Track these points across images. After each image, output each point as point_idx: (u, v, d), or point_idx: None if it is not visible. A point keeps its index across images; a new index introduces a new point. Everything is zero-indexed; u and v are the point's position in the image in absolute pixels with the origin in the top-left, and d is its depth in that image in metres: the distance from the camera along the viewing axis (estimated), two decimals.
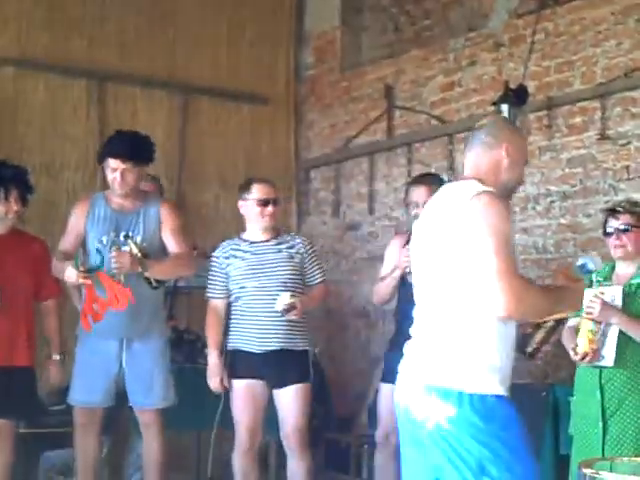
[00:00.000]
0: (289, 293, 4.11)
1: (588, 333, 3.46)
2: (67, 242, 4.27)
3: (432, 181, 4.22)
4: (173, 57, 6.39)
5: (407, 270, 4.02)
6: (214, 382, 4.25)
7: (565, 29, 5.16)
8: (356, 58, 6.65)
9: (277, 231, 4.35)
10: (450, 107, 5.80)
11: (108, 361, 4.15)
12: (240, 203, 4.31)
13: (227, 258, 4.28)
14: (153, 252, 4.15)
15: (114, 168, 4.14)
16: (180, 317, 5.40)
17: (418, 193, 4.20)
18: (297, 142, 6.85)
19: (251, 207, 4.26)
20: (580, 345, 3.48)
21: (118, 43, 6.20)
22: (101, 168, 4.44)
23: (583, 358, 3.49)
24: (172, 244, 4.24)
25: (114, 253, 4.01)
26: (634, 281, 3.58)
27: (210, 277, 4.33)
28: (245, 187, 4.31)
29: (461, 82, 5.76)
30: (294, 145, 6.83)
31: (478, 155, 2.64)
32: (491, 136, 2.65)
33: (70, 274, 3.99)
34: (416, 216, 4.02)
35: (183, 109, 6.37)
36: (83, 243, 4.25)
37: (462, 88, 5.74)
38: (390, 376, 4.07)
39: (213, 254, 4.37)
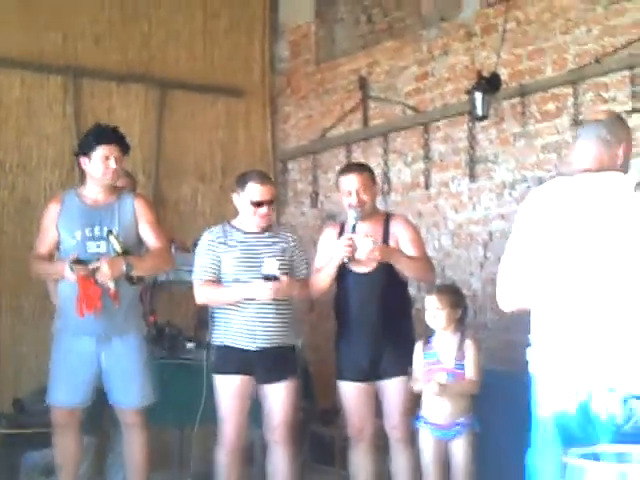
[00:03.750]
0: (278, 262, 4.03)
1: None
2: (42, 244, 4.23)
3: (360, 169, 4.26)
4: (148, 51, 6.38)
5: (345, 260, 4.02)
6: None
7: (535, 17, 5.19)
8: (330, 50, 6.66)
9: (270, 225, 4.28)
10: (424, 97, 5.82)
11: (85, 359, 4.11)
12: (234, 196, 4.22)
13: (221, 243, 4.16)
14: (130, 247, 4.12)
15: (107, 156, 4.11)
16: (160, 312, 5.39)
17: (348, 181, 4.15)
18: (273, 134, 6.86)
19: (244, 204, 4.18)
20: None
21: (92, 38, 6.17)
22: (78, 164, 4.40)
23: None
24: (151, 238, 4.20)
25: (106, 261, 3.96)
26: None
27: (202, 259, 4.17)
28: (240, 183, 4.19)
29: (434, 72, 5.77)
30: (271, 137, 6.84)
31: (599, 149, 2.80)
32: (611, 134, 2.81)
33: (69, 275, 3.97)
34: (350, 205, 4.12)
35: (159, 103, 6.37)
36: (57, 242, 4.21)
37: (435, 78, 5.76)
38: (348, 373, 4.13)
39: (205, 236, 4.22)
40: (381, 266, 4.06)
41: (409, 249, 4.14)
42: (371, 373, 4.11)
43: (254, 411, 4.21)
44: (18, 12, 5.92)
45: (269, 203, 4.17)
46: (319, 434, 5.48)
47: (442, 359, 3.95)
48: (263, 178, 4.23)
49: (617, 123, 2.88)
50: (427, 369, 3.96)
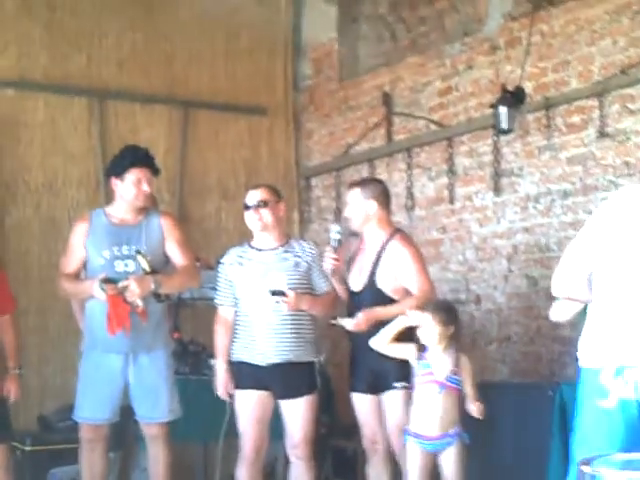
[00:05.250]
0: (285, 277, 4.08)
1: None
2: (70, 263, 4.25)
3: (363, 183, 4.34)
4: (171, 72, 6.43)
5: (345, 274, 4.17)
6: (221, 391, 4.23)
7: (560, 30, 5.17)
8: (354, 67, 6.68)
9: (286, 238, 4.31)
10: (448, 111, 5.81)
11: (113, 376, 4.13)
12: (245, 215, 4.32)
13: (232, 265, 4.26)
14: (157, 265, 4.14)
15: (140, 179, 4.15)
16: (184, 329, 5.39)
17: (348, 195, 4.31)
18: (297, 151, 6.88)
19: (247, 215, 4.27)
20: None
21: (116, 60, 6.24)
22: (105, 184, 4.43)
23: None
24: (178, 256, 4.23)
25: (134, 279, 3.97)
26: None
27: (218, 284, 4.32)
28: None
29: (458, 86, 5.76)
30: (294, 154, 6.86)
31: None
32: None
33: (99, 293, 3.98)
34: (345, 219, 4.21)
35: (183, 123, 6.41)
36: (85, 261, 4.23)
37: (459, 92, 5.75)
38: (357, 385, 4.21)
39: (221, 261, 4.36)
40: (368, 285, 4.14)
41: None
42: (376, 385, 4.15)
43: (276, 426, 4.21)
44: (43, 35, 6.01)
45: (261, 204, 4.20)
46: (341, 449, 5.46)
47: (435, 371, 3.96)
48: (259, 184, 4.47)
49: None
50: (420, 377, 3.98)
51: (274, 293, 4.03)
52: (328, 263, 4.16)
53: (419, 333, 3.98)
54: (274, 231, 4.24)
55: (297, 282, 4.15)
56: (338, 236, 4.18)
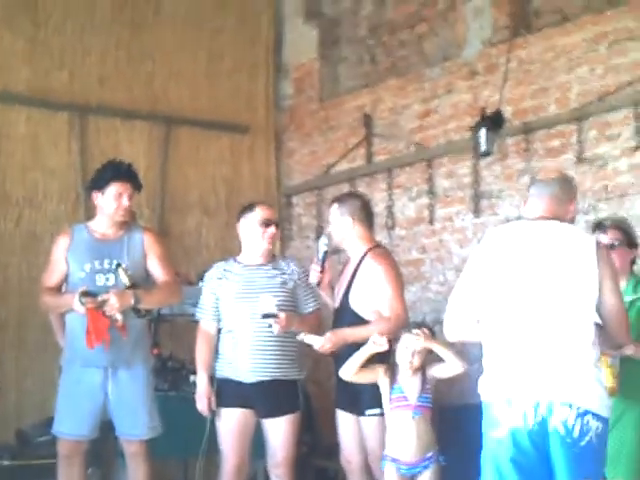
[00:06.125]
0: (275, 299, 4.05)
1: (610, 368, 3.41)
2: (51, 277, 4.25)
3: (340, 199, 4.27)
4: (153, 88, 6.45)
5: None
6: (201, 405, 4.20)
7: (538, 56, 5.28)
8: (334, 88, 6.76)
9: (273, 256, 4.31)
10: (428, 133, 5.90)
11: (93, 391, 4.10)
12: (241, 223, 4.27)
13: (219, 279, 4.24)
14: (138, 280, 4.14)
15: (120, 193, 4.16)
16: (164, 344, 5.38)
17: (329, 211, 4.28)
18: (278, 169, 6.93)
19: (252, 228, 4.22)
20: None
21: (98, 76, 6.25)
22: (85, 199, 4.42)
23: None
24: (159, 272, 4.22)
25: (114, 293, 3.98)
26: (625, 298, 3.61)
27: (201, 298, 4.30)
28: (248, 208, 4.29)
29: (438, 109, 5.86)
30: (275, 172, 6.91)
31: (552, 205, 3.10)
32: (563, 192, 3.14)
33: (78, 307, 3.98)
34: (326, 234, 4.23)
35: (164, 139, 6.42)
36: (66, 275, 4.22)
37: (439, 115, 5.84)
38: (338, 402, 4.15)
39: (206, 274, 4.35)
40: (342, 304, 4.10)
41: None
42: (355, 406, 4.07)
43: (257, 443, 4.20)
44: (25, 50, 6.01)
45: (276, 225, 4.27)
46: (322, 468, 5.46)
47: (407, 396, 3.90)
48: (268, 204, 4.42)
49: (568, 182, 3.20)
50: (393, 402, 3.91)
51: (266, 316, 4.01)
52: (313, 276, 4.16)
53: (401, 355, 3.91)
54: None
55: (284, 301, 4.13)
56: (325, 248, 4.15)
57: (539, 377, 2.88)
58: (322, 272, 4.16)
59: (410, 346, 3.90)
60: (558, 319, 2.90)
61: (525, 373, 2.90)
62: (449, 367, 3.89)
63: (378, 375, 3.93)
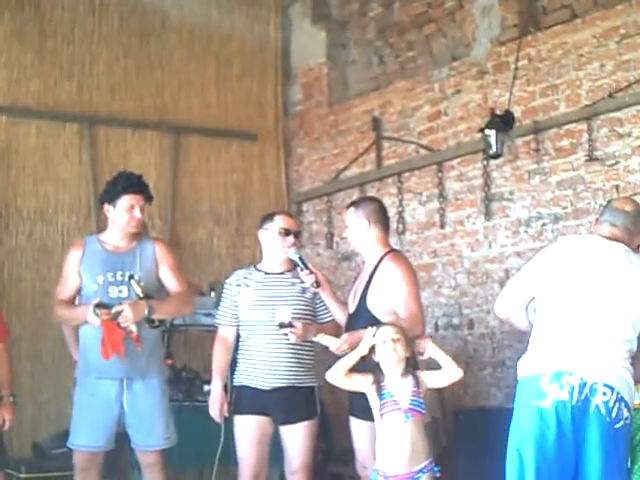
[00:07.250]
0: (290, 309, 4.05)
1: None
2: (64, 290, 4.24)
3: (357, 203, 4.25)
4: (162, 98, 6.47)
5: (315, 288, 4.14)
6: (214, 411, 4.19)
7: (548, 54, 5.23)
8: (343, 92, 6.74)
9: (293, 265, 4.27)
10: (438, 136, 5.86)
11: (108, 402, 4.10)
12: (261, 232, 4.28)
13: (239, 286, 4.23)
14: (151, 291, 4.14)
15: (132, 205, 4.16)
16: (177, 355, 5.38)
17: (345, 215, 4.24)
18: (288, 176, 6.92)
19: (272, 237, 4.22)
20: None
21: (107, 86, 6.27)
22: (97, 210, 4.42)
23: None
24: (172, 282, 4.22)
25: (128, 304, 3.98)
26: None
27: (220, 304, 4.30)
28: (268, 217, 4.30)
29: (447, 111, 5.82)
30: (285, 179, 6.91)
31: (622, 235, 3.38)
32: (634, 225, 3.40)
33: (93, 319, 3.98)
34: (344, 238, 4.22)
35: (174, 148, 6.43)
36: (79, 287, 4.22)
37: (449, 117, 5.81)
38: (351, 408, 4.05)
39: (226, 281, 4.33)
40: (359, 306, 4.04)
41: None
42: (367, 412, 3.86)
43: (274, 450, 4.19)
44: (34, 62, 6.04)
45: (296, 234, 4.27)
46: (338, 474, 5.44)
47: (398, 399, 3.63)
48: (288, 213, 4.44)
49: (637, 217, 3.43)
50: (383, 408, 3.65)
51: (282, 326, 4.02)
52: (308, 280, 4.11)
53: (381, 351, 3.65)
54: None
55: (302, 309, 4.13)
56: (297, 255, 4.15)
57: (587, 360, 3.17)
58: (312, 272, 4.11)
59: (386, 337, 3.65)
60: (606, 319, 3.23)
61: (575, 355, 3.19)
62: (445, 374, 3.69)
63: (367, 384, 3.69)
